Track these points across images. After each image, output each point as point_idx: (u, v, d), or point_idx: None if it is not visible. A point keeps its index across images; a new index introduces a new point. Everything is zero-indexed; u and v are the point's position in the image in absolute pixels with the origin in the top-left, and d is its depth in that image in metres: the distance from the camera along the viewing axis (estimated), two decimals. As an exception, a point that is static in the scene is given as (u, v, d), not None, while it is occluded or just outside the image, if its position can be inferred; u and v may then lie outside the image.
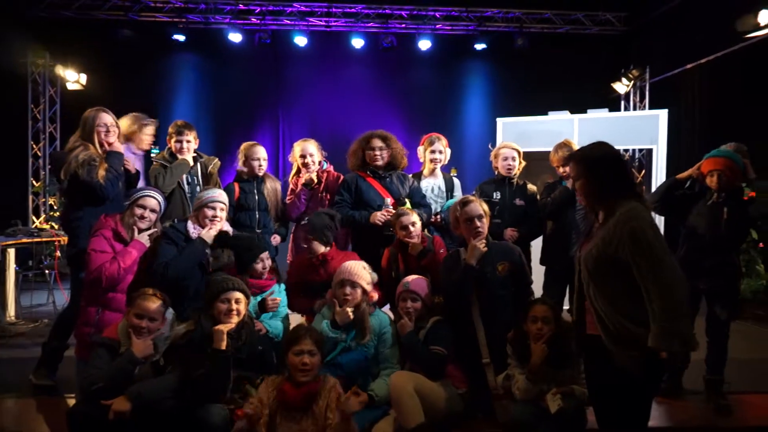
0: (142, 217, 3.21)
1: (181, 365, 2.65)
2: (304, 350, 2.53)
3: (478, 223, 3.11)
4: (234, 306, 2.73)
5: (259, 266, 3.28)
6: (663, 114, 6.04)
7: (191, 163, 3.95)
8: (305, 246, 3.55)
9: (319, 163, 4.07)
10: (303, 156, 3.99)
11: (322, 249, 3.41)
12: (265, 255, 3.32)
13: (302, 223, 3.88)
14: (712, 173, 3.38)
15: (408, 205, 3.68)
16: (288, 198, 4.06)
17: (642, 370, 1.99)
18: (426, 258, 3.41)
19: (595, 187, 2.15)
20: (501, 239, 3.64)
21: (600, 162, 2.15)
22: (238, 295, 2.76)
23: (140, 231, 3.21)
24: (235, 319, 2.72)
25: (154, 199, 3.26)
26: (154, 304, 2.72)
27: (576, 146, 3.90)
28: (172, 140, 3.94)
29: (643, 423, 2.12)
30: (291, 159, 4.15)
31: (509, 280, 3.18)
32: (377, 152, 3.83)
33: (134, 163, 3.85)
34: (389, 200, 3.73)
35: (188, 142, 3.94)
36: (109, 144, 3.55)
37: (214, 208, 3.19)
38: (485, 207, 3.19)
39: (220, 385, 2.61)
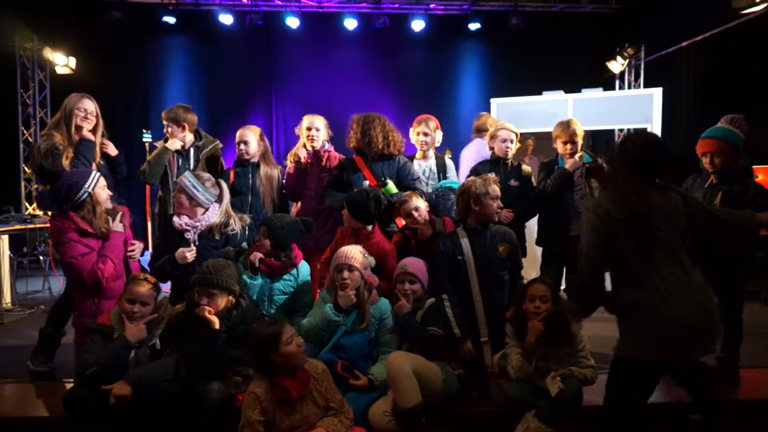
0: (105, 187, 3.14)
1: (176, 345, 2.67)
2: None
3: (500, 204, 3.26)
4: (205, 300, 2.69)
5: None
6: (657, 92, 6.02)
7: (170, 148, 3.94)
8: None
9: (322, 143, 4.07)
10: (309, 128, 3.98)
11: (356, 224, 3.38)
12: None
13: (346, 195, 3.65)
14: (705, 155, 3.28)
15: (390, 185, 3.64)
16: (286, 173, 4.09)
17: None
18: (437, 241, 3.39)
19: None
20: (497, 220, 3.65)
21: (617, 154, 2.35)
22: (213, 290, 2.70)
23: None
24: (206, 311, 2.67)
25: (104, 180, 3.16)
26: (145, 288, 2.73)
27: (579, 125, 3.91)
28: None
29: (640, 397, 2.26)
30: (297, 131, 4.11)
31: (507, 262, 3.23)
32: (350, 134, 3.85)
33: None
34: (366, 183, 3.72)
35: (168, 129, 3.98)
36: (85, 129, 3.52)
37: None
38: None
39: (215, 363, 2.62)
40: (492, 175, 3.34)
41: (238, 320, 2.76)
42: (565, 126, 3.91)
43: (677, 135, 6.84)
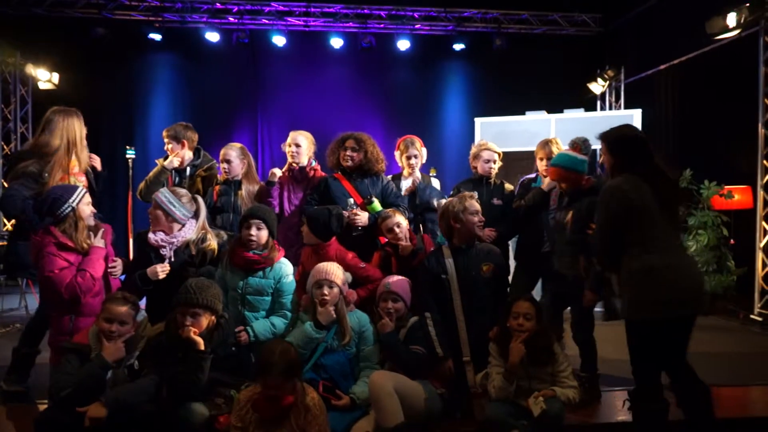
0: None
1: (156, 365, 2.63)
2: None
3: (482, 218, 3.29)
4: (188, 320, 2.65)
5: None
6: (637, 113, 6.15)
7: (167, 167, 3.93)
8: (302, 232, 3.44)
9: (309, 160, 4.08)
10: (290, 145, 4.04)
11: (314, 240, 3.36)
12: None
13: (305, 212, 3.65)
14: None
15: (375, 203, 3.67)
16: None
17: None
18: (417, 258, 3.42)
19: (608, 163, 2.68)
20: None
21: (613, 142, 2.67)
22: (197, 310, 2.67)
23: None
24: (191, 332, 2.63)
25: (89, 196, 3.15)
26: (123, 307, 2.68)
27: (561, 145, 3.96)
28: None
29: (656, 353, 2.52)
30: (283, 147, 4.14)
31: (492, 281, 3.24)
32: (348, 153, 3.84)
33: None
34: (351, 200, 3.73)
35: (168, 146, 4.01)
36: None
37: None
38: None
39: (195, 384, 2.57)
40: (468, 192, 3.35)
41: (220, 341, 2.73)
42: (544, 144, 3.97)
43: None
